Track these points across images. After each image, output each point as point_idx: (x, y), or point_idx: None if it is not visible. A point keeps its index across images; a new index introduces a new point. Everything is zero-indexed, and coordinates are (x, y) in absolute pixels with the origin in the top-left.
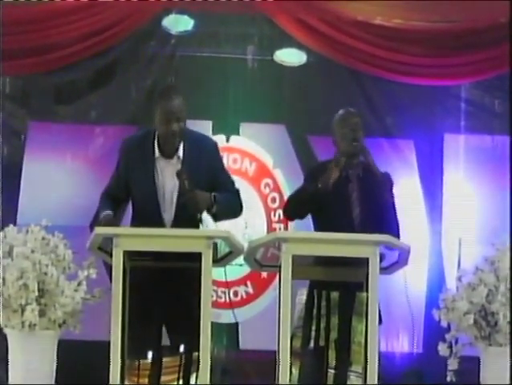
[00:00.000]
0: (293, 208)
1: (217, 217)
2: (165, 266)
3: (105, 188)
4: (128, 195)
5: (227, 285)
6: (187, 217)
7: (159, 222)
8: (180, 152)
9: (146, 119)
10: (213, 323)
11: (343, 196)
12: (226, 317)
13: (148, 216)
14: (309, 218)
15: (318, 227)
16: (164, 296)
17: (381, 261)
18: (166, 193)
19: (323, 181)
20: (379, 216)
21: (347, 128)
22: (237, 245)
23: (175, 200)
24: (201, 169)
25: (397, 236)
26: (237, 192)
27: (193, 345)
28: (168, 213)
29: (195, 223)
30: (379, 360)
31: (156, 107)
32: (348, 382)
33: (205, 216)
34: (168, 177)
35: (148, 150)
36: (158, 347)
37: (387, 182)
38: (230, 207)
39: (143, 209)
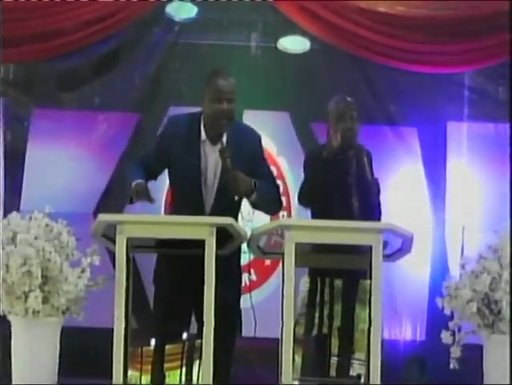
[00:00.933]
0: (307, 196)
1: (256, 206)
2: (169, 253)
3: (140, 158)
4: (162, 171)
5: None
6: (227, 202)
7: (199, 206)
8: (224, 139)
9: (149, 106)
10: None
11: (341, 188)
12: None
13: (189, 199)
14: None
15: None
16: (191, 284)
17: (384, 248)
18: (208, 178)
19: (328, 149)
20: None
21: (343, 122)
22: (241, 233)
23: (216, 185)
24: (243, 159)
25: None
26: (277, 187)
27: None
28: (209, 198)
29: (234, 210)
30: (382, 347)
31: (207, 86)
32: (351, 370)
33: (245, 215)
34: (211, 163)
35: (195, 132)
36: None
37: (375, 187)
38: (270, 199)
39: (183, 192)
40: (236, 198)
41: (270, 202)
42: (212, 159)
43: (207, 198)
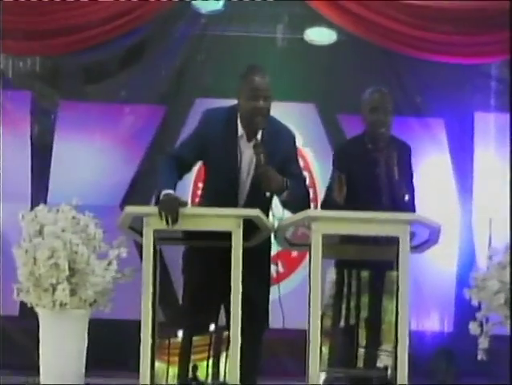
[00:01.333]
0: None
1: (286, 205)
2: (196, 245)
3: (174, 151)
4: (196, 164)
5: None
6: (259, 199)
7: (232, 201)
8: (259, 136)
9: (175, 99)
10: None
11: (371, 179)
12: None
13: (222, 194)
14: None
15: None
16: (219, 275)
17: (412, 239)
18: (242, 174)
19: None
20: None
21: (377, 115)
22: (267, 224)
23: (249, 181)
24: (276, 157)
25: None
26: (307, 190)
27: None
28: (242, 194)
29: (266, 207)
30: (409, 339)
31: (243, 83)
32: (378, 362)
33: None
34: (245, 159)
35: (231, 128)
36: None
37: (407, 151)
38: (300, 200)
39: (217, 186)
40: (267, 194)
41: (300, 203)
42: (247, 155)
43: (240, 194)
